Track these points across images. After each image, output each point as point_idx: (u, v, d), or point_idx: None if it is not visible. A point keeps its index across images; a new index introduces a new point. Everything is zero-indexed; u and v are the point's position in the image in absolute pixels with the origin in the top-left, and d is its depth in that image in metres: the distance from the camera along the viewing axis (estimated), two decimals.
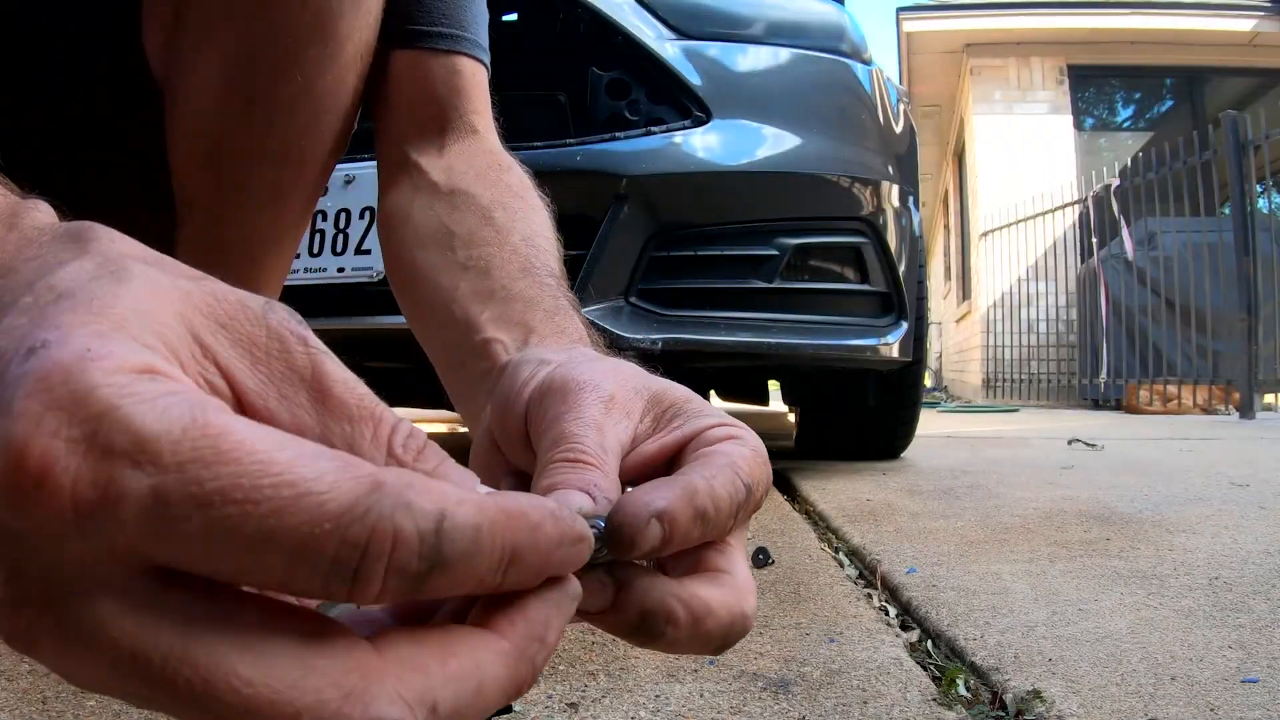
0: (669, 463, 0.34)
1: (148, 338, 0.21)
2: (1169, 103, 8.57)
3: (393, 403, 2.65)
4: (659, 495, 0.28)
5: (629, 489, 0.31)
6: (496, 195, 0.57)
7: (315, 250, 1.54)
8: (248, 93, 0.56)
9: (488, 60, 0.66)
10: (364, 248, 1.51)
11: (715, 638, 0.30)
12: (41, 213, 0.25)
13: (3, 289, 0.22)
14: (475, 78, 0.63)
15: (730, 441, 0.33)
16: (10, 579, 0.20)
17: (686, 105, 1.58)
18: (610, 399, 0.35)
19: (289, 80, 0.55)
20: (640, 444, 0.35)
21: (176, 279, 0.23)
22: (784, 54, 1.72)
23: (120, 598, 0.19)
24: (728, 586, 0.31)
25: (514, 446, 0.38)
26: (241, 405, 0.22)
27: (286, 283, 1.56)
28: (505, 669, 0.23)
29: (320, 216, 1.56)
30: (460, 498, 0.21)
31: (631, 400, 0.36)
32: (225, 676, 0.20)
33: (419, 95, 0.61)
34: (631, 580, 0.28)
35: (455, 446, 3.30)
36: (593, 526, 0.27)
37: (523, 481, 0.36)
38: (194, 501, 0.19)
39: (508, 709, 0.62)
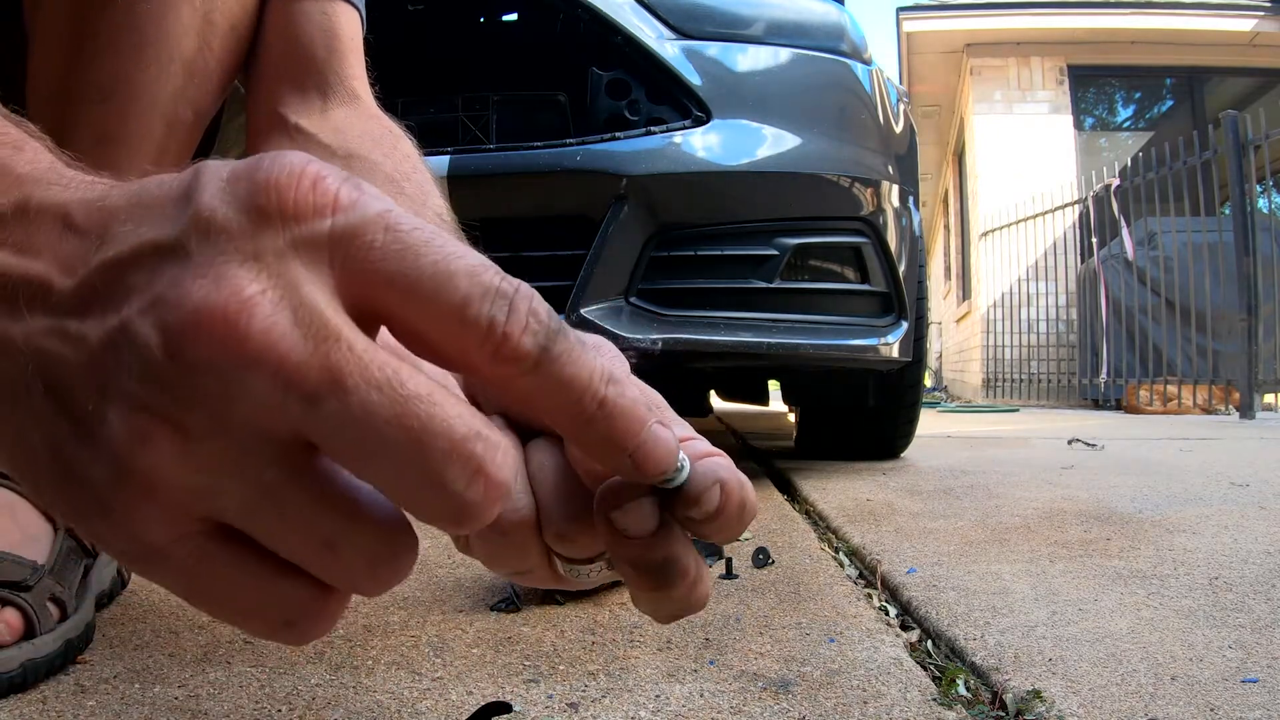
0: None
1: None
2: (1169, 103, 8.57)
3: None
4: (718, 464, 0.29)
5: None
6: (398, 165, 0.55)
7: None
8: (78, 21, 0.54)
9: (361, 4, 0.63)
10: None
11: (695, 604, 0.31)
12: (39, 152, 0.27)
13: (138, 197, 0.24)
14: (353, 37, 0.61)
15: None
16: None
17: (686, 105, 1.58)
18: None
19: (112, 3, 0.53)
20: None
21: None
22: (784, 54, 1.72)
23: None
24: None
25: None
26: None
27: None
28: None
29: None
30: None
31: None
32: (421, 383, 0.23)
33: (296, 55, 0.59)
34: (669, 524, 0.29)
35: None
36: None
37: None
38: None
39: (508, 708, 0.62)
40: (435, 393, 0.22)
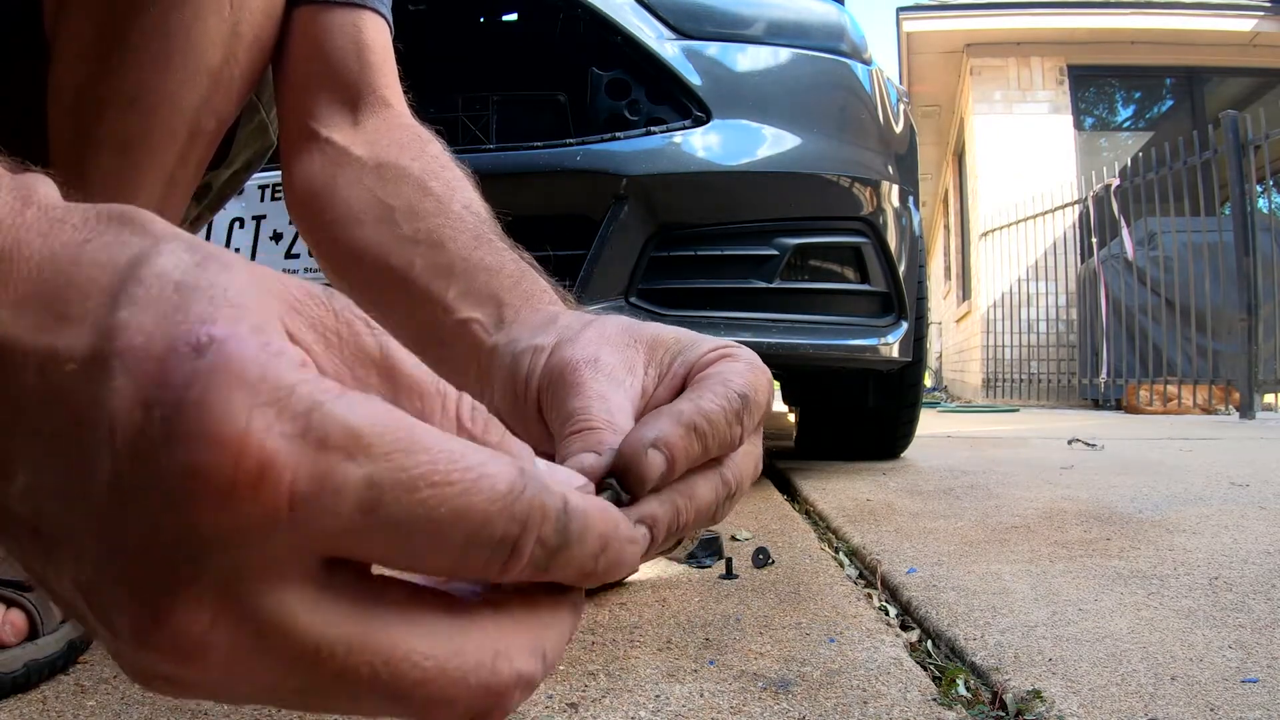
0: None
1: (282, 332, 0.21)
2: (1169, 103, 8.57)
3: None
4: (651, 426, 0.30)
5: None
6: (426, 165, 0.55)
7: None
8: (106, 30, 0.54)
9: (389, 13, 0.62)
10: None
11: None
12: (46, 185, 0.24)
13: (65, 274, 0.21)
14: (384, 47, 0.61)
15: (724, 360, 0.36)
16: (191, 579, 0.19)
17: (686, 105, 1.58)
18: (610, 368, 0.37)
19: (143, 12, 0.53)
20: (652, 395, 0.37)
21: (247, 264, 0.23)
22: (784, 54, 1.72)
23: (304, 589, 0.20)
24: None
25: (534, 434, 0.40)
26: None
27: None
28: (573, 617, 0.26)
29: None
30: (569, 486, 0.24)
31: (628, 358, 0.38)
32: (406, 654, 0.21)
33: (326, 68, 0.58)
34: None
35: None
36: (608, 484, 0.30)
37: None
38: (403, 487, 0.20)
39: None
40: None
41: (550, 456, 0.37)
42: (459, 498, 0.20)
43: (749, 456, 0.35)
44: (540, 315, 0.45)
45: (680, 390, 0.36)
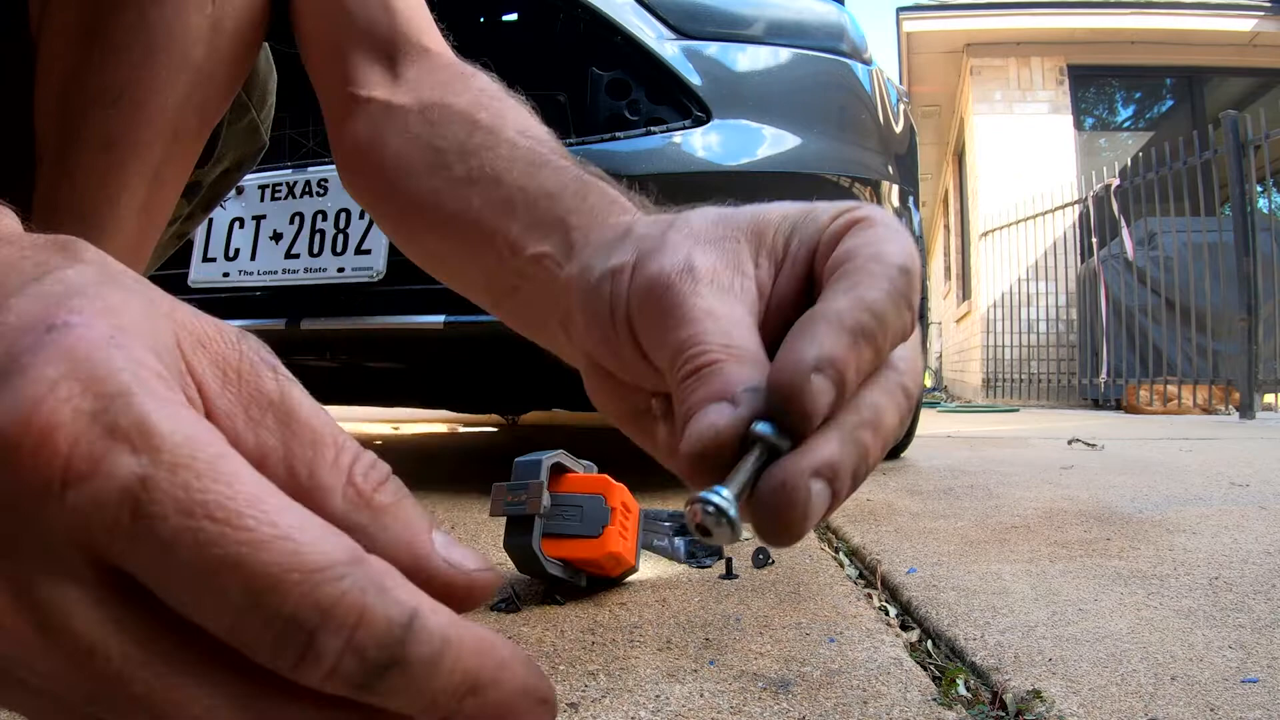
0: (811, 292, 0.29)
1: (154, 347, 0.21)
2: (1169, 103, 8.57)
3: (392, 403, 2.63)
4: (806, 341, 0.24)
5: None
6: (473, 99, 0.51)
7: (315, 250, 1.54)
8: (87, 26, 0.53)
9: None
10: (364, 247, 1.51)
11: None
12: (9, 219, 0.25)
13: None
14: None
15: (858, 229, 0.28)
16: None
17: (686, 105, 1.58)
18: (711, 273, 0.29)
19: (123, 9, 0.52)
20: (772, 293, 0.30)
21: (164, 296, 0.23)
22: (784, 54, 1.72)
23: (84, 588, 0.19)
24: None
25: (639, 374, 0.33)
26: (211, 421, 0.22)
27: (289, 284, 1.55)
28: None
29: (320, 216, 1.56)
30: (438, 607, 0.20)
31: (730, 255, 0.30)
32: (185, 696, 0.19)
33: (352, 31, 0.55)
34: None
35: (456, 447, 3.25)
36: (757, 438, 0.24)
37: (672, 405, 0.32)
38: (175, 505, 0.18)
39: None
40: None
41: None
42: (241, 547, 0.18)
43: (914, 348, 0.28)
44: (612, 231, 0.37)
45: (807, 279, 0.29)
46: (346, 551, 0.19)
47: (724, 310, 0.28)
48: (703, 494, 0.23)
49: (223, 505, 0.18)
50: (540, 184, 0.42)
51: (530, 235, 0.41)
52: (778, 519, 0.24)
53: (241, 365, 0.23)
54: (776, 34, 1.73)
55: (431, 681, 0.20)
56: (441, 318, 1.49)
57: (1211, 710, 0.62)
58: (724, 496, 0.23)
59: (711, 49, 1.64)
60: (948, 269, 11.51)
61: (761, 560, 1.11)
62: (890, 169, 1.82)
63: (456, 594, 0.22)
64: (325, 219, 1.55)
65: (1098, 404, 6.77)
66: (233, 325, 0.24)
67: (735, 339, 0.27)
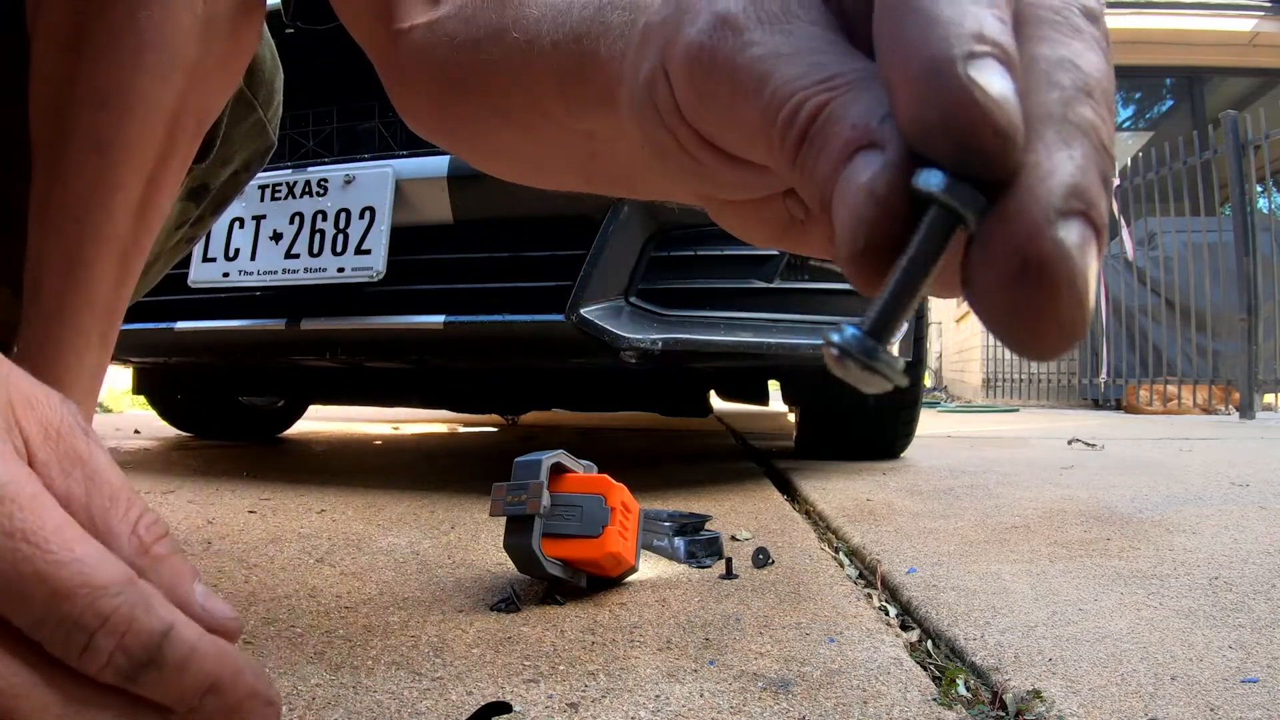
0: None
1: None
2: (1169, 103, 8.58)
3: (392, 403, 2.63)
4: (945, 6, 0.16)
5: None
6: None
7: (315, 250, 1.54)
8: (78, 26, 0.53)
9: None
10: (364, 248, 1.51)
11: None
12: None
13: None
14: None
15: None
16: None
17: None
18: (745, 13, 0.22)
19: (113, 8, 0.52)
20: None
21: (3, 361, 0.28)
22: None
23: None
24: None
25: (749, 186, 0.28)
26: (32, 468, 0.27)
27: (289, 284, 1.56)
28: None
29: (320, 216, 1.56)
30: (190, 623, 0.27)
31: None
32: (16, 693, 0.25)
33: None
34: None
35: (456, 447, 3.25)
36: (928, 188, 0.16)
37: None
38: (1, 530, 0.24)
39: (508, 708, 0.62)
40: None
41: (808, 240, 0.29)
42: (46, 565, 0.24)
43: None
44: (638, 38, 0.29)
45: None
46: (124, 575, 0.26)
47: (792, 43, 0.21)
48: (828, 333, 0.18)
49: (35, 532, 0.24)
50: (571, 28, 0.36)
51: (576, 95, 0.36)
52: (1043, 311, 0.17)
53: (61, 426, 0.28)
54: None
55: (180, 679, 0.26)
56: (441, 318, 1.49)
57: (1211, 710, 0.62)
58: (847, 335, 0.18)
59: None
60: None
61: (761, 560, 1.11)
62: None
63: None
64: (325, 219, 1.55)
65: (1098, 404, 6.77)
66: (56, 393, 0.29)
67: (829, 66, 0.19)
